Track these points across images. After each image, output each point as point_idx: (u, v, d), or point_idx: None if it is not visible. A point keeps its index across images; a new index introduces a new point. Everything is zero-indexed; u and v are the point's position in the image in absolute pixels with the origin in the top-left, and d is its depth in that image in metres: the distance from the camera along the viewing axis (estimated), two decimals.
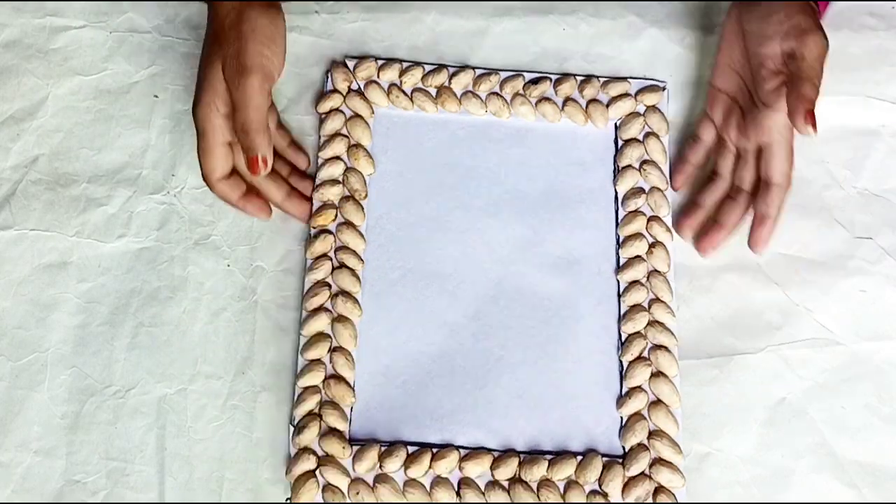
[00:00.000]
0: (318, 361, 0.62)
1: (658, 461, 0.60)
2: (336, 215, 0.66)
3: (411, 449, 0.60)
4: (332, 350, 0.63)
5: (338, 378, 0.62)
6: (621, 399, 0.62)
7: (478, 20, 0.73)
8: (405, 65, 0.71)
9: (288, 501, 0.59)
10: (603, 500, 0.59)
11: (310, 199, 0.66)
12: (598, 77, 0.72)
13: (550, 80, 0.71)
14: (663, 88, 0.72)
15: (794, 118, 0.58)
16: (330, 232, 0.66)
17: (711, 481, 0.61)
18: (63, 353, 0.62)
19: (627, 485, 0.60)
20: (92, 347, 0.63)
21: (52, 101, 0.70)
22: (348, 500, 0.59)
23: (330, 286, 0.64)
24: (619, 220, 0.67)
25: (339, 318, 0.63)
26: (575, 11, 0.74)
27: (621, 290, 0.65)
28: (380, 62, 0.71)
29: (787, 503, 0.60)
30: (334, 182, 0.67)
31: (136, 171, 0.68)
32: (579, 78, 0.71)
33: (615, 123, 0.71)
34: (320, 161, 0.68)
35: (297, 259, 0.66)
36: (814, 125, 0.58)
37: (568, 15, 0.74)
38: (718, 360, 0.64)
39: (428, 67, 0.71)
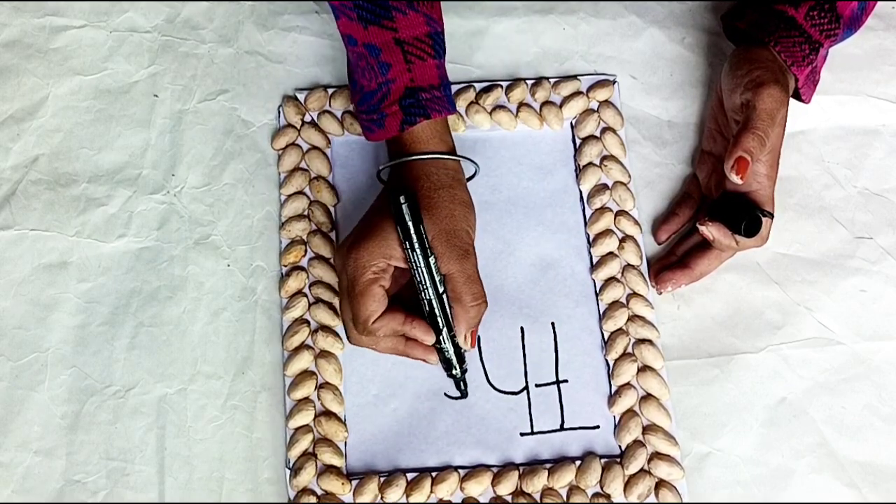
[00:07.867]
0: (307, 400, 0.61)
1: (656, 455, 0.61)
2: (305, 250, 0.65)
3: (410, 476, 0.60)
4: (319, 387, 0.62)
5: (328, 414, 0.61)
6: (612, 398, 0.62)
7: (478, 20, 0.73)
8: None
9: None
10: (606, 502, 0.59)
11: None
12: (547, 78, 0.72)
13: (501, 86, 0.71)
14: (613, 82, 0.72)
15: (725, 163, 0.60)
16: (302, 268, 0.65)
17: (712, 481, 0.61)
18: (63, 353, 0.62)
19: (628, 483, 0.60)
20: (92, 347, 0.63)
21: (52, 101, 0.70)
22: None
23: (308, 322, 0.64)
24: (587, 219, 0.67)
25: (322, 354, 0.63)
26: (575, 11, 0.74)
27: (598, 288, 0.65)
28: (330, 90, 0.70)
29: (787, 503, 0.60)
30: (300, 217, 0.66)
31: (136, 171, 0.68)
32: (529, 81, 0.71)
33: (571, 123, 0.71)
34: (283, 198, 0.67)
35: None
36: (741, 174, 0.59)
37: (568, 15, 0.74)
38: (718, 360, 0.64)
39: None
